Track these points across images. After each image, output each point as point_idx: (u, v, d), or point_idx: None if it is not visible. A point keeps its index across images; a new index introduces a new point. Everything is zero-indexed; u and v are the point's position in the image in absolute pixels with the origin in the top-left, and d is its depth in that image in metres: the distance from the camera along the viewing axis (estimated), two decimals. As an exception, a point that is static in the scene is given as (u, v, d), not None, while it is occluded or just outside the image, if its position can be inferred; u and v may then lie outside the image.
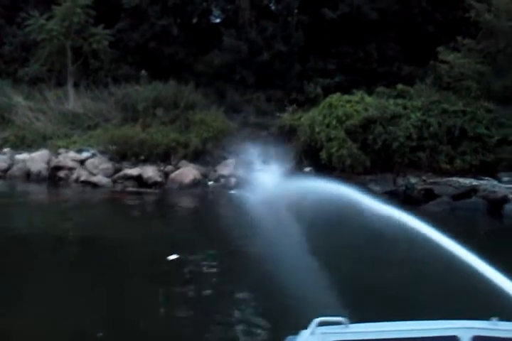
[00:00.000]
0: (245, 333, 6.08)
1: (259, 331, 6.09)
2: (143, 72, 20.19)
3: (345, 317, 2.97)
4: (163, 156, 17.18)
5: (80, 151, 17.29)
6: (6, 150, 17.90)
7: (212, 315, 6.56)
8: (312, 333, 2.88)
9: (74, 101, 19.57)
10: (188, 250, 9.39)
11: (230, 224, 12.56)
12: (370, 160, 16.05)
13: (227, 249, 9.63)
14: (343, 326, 2.98)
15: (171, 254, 8.57)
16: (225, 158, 17.32)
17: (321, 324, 2.94)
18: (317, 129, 16.82)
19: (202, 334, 5.96)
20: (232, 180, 16.73)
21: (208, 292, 7.45)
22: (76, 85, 20.15)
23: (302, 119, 17.71)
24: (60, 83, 20.39)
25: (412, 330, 3.05)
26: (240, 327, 6.22)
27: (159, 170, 16.78)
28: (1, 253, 8.80)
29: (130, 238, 10.18)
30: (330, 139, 16.55)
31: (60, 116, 18.85)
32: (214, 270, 8.60)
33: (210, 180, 16.92)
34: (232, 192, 16.18)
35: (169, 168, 17.01)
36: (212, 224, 12.67)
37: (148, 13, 22.17)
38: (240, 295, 7.50)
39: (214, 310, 6.69)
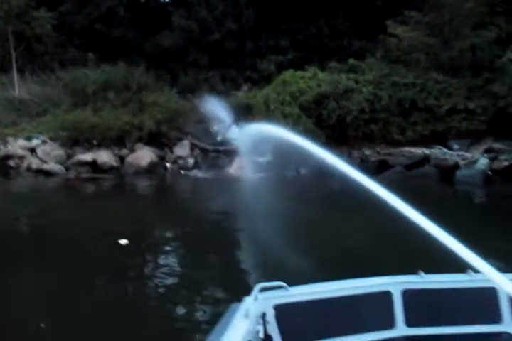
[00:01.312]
0: (193, 305, 6.17)
1: (210, 300, 6.21)
2: (90, 54, 19.62)
3: (285, 282, 3.07)
4: (117, 140, 16.84)
5: (29, 139, 16.71)
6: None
7: (161, 294, 6.61)
8: (255, 299, 2.95)
9: (19, 87, 18.88)
10: (142, 234, 9.34)
11: (185, 205, 12.56)
12: (326, 135, 16.21)
13: (182, 231, 9.63)
14: (283, 290, 3.08)
15: (122, 239, 8.49)
16: (181, 139, 17.13)
17: (263, 289, 3.01)
18: (272, 106, 16.83)
19: (157, 312, 5.95)
20: (190, 161, 16.61)
21: (160, 271, 7.47)
22: (21, 71, 19.41)
23: (257, 97, 17.67)
24: (5, 69, 19.59)
25: (347, 289, 3.20)
26: (187, 300, 6.32)
27: (114, 155, 16.45)
28: None
29: (83, 225, 10.01)
30: (285, 116, 16.60)
31: (5, 104, 18.15)
32: (166, 252, 8.58)
33: (167, 162, 16.74)
34: (183, 172, 16.07)
35: (124, 151, 16.70)
36: (169, 206, 12.60)
37: (92, -7, 21.50)
38: (187, 271, 7.62)
39: (162, 289, 6.76)
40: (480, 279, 3.16)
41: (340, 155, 15.70)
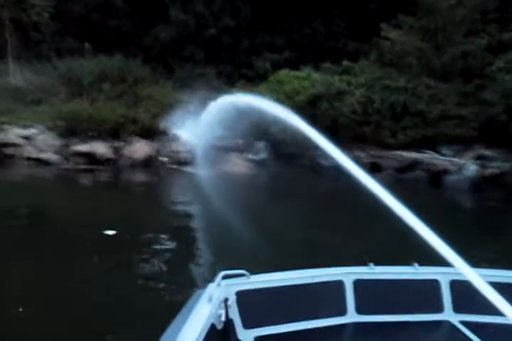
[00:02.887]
0: (167, 288, 6.63)
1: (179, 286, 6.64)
2: (87, 44, 19.65)
3: (247, 270, 3.36)
4: (113, 132, 16.96)
5: (26, 127, 16.74)
6: None
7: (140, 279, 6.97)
8: (218, 285, 3.21)
9: (15, 75, 18.83)
10: (130, 225, 9.62)
11: (174, 200, 12.84)
12: (319, 135, 16.53)
13: (169, 225, 9.92)
14: (245, 277, 3.37)
15: (110, 230, 8.78)
16: (175, 134, 17.31)
17: (226, 277, 3.29)
18: (267, 105, 17.08)
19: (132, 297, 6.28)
20: (184, 155, 16.83)
21: (139, 260, 7.82)
22: (17, 58, 19.34)
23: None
24: (1, 56, 19.51)
25: (304, 277, 3.52)
26: (159, 284, 6.79)
27: (110, 147, 16.58)
28: None
29: (75, 215, 10.22)
30: (280, 115, 16.88)
31: (3, 91, 18.06)
32: (149, 243, 8.89)
33: (162, 156, 16.93)
34: (175, 167, 16.28)
35: (120, 144, 16.83)
36: (161, 199, 12.84)
37: (90, -17, 21.44)
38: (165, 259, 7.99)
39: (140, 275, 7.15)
40: (424, 271, 3.55)
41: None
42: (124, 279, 6.89)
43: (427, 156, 15.11)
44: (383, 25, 18.02)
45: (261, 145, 16.82)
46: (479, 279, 1.83)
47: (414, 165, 15.19)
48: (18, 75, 18.85)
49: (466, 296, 3.05)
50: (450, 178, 14.32)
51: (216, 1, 21.36)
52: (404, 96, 16.50)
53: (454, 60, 16.98)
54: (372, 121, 16.37)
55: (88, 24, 20.88)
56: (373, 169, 15.08)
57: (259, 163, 15.32)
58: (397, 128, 16.18)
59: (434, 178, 14.58)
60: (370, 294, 3.53)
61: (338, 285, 3.49)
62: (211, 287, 3.20)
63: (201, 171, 15.74)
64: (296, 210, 11.13)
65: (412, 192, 13.18)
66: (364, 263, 3.59)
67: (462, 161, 14.71)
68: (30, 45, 19.90)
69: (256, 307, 3.37)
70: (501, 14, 17.57)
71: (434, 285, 3.53)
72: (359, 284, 3.51)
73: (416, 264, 3.53)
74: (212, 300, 3.01)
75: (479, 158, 14.90)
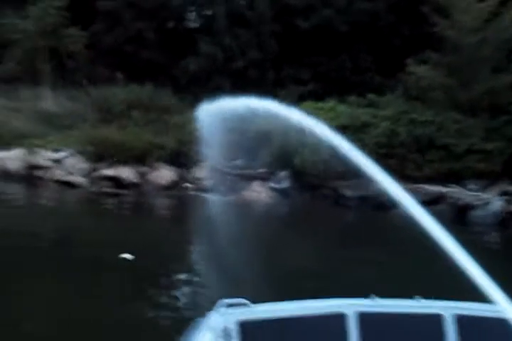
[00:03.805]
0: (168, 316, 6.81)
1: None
2: (119, 74, 20.32)
3: (248, 299, 3.33)
4: (140, 158, 17.29)
5: (56, 151, 17.22)
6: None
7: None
8: (219, 314, 3.20)
9: (50, 100, 19.54)
10: (146, 250, 9.76)
11: (195, 227, 12.87)
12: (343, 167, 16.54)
13: (189, 252, 10.25)
14: (246, 306, 3.32)
15: (127, 253, 8.90)
16: (200, 161, 17.53)
17: (227, 305, 3.26)
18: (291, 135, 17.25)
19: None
20: (208, 183, 16.98)
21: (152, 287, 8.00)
22: (52, 85, 20.09)
23: (276, 125, 18.09)
24: (37, 82, 20.29)
25: (305, 309, 3.48)
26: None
27: (136, 172, 16.89)
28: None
29: (98, 238, 10.37)
30: (303, 145, 16.98)
31: (36, 115, 18.72)
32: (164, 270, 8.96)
33: (186, 183, 17.12)
34: (197, 193, 16.38)
35: (145, 169, 17.14)
36: (180, 227, 12.91)
37: (123, 16, 22.30)
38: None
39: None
40: (427, 305, 3.51)
41: (357, 186, 16.11)
42: (135, 305, 6.95)
43: (453, 191, 14.94)
44: (409, 61, 18.17)
45: (284, 174, 16.89)
46: None
47: (439, 199, 15.00)
48: (52, 101, 19.52)
49: (470, 331, 3.04)
50: (476, 214, 14.09)
51: (243, 34, 21.96)
52: (430, 129, 16.47)
53: (480, 96, 16.97)
54: (397, 154, 16.31)
55: (120, 54, 21.61)
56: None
57: (281, 193, 15.37)
58: (423, 161, 16.06)
59: (459, 213, 14.39)
60: (372, 327, 3.48)
61: (341, 317, 3.43)
62: (212, 316, 3.18)
63: (223, 199, 15.84)
64: (313, 244, 11.05)
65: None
66: (367, 296, 3.56)
67: (487, 196, 14.52)
68: (64, 73, 20.66)
69: (257, 338, 3.32)
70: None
71: (437, 319, 3.46)
72: (362, 317, 3.47)
73: (418, 297, 3.51)
74: (212, 330, 3.00)
75: (505, 193, 14.69)
